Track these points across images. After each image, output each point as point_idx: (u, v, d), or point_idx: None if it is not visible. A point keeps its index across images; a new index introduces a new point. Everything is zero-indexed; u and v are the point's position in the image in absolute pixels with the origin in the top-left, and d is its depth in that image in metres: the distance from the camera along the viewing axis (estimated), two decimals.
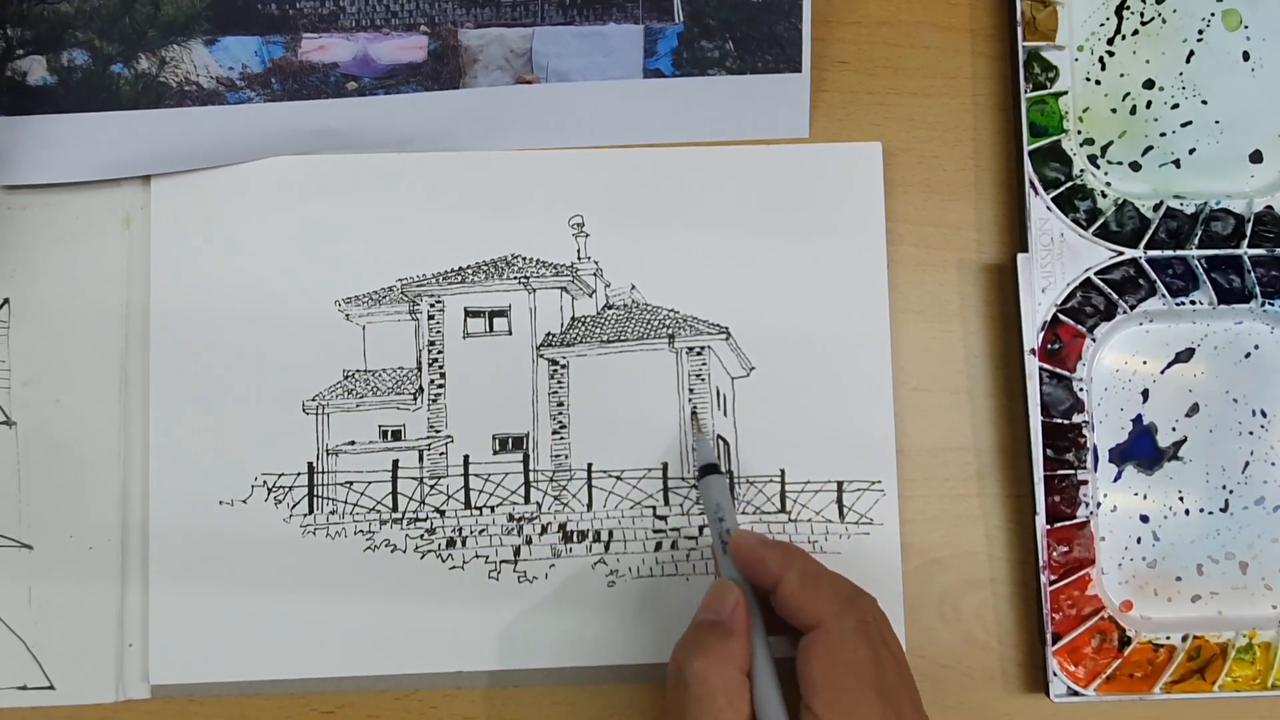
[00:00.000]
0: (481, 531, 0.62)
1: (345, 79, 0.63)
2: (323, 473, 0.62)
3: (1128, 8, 0.66)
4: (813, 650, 0.50)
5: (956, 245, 0.65)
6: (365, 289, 0.63)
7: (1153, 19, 0.66)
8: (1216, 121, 0.66)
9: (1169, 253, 0.64)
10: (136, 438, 0.62)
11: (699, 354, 0.63)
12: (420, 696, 0.62)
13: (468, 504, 0.63)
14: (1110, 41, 0.66)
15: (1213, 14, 0.66)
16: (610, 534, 0.62)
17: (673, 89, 0.64)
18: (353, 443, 0.63)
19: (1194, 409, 0.64)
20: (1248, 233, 0.64)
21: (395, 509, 0.62)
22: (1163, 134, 0.66)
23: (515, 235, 0.64)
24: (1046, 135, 0.64)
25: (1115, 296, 0.63)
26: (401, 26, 0.63)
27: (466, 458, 0.63)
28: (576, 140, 0.65)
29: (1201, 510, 0.64)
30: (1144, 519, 0.64)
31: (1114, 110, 0.66)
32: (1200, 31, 0.66)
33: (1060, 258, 0.63)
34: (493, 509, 0.63)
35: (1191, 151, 0.65)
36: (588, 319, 0.64)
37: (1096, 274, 0.63)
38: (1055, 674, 0.60)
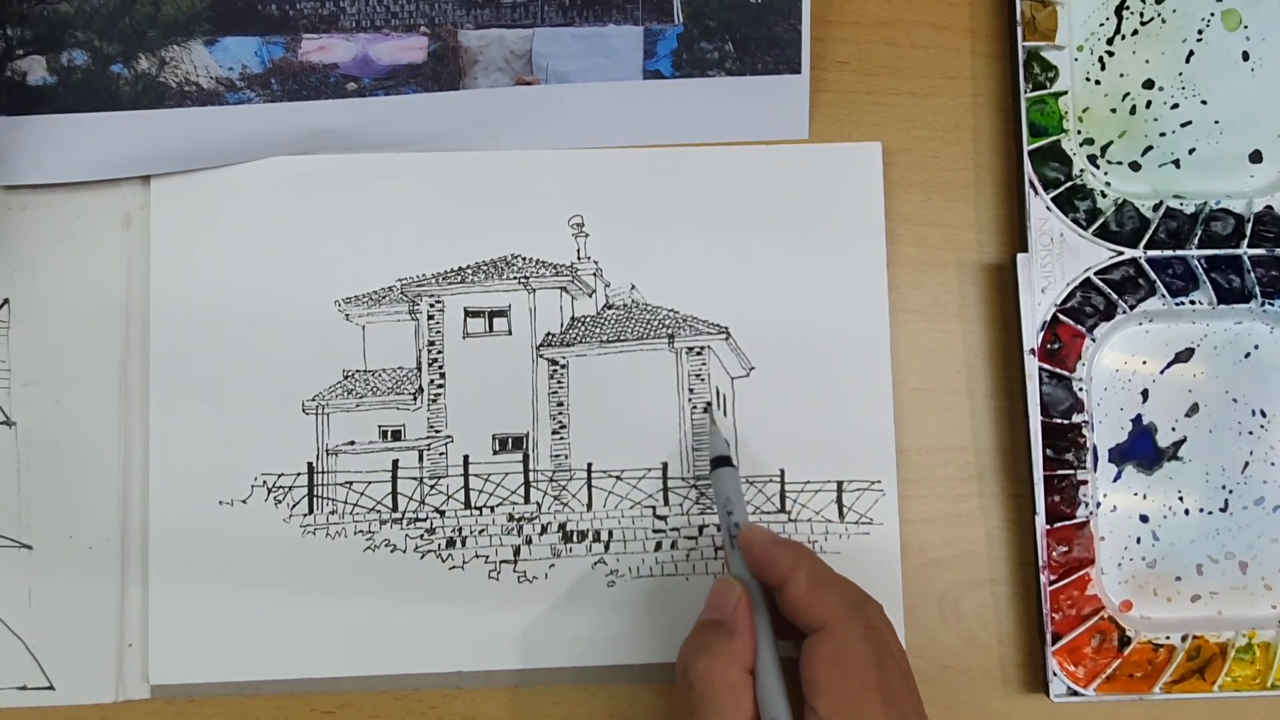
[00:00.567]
0: (481, 531, 0.62)
1: (345, 80, 0.63)
2: (323, 473, 0.62)
3: (1127, 8, 0.66)
4: (817, 652, 0.50)
5: (956, 245, 0.65)
6: (365, 289, 0.63)
7: (1152, 19, 0.66)
8: (1216, 121, 0.66)
9: (1169, 253, 0.64)
10: (136, 438, 0.62)
11: (699, 354, 0.63)
12: (420, 696, 0.62)
13: (468, 504, 0.63)
14: (1110, 41, 0.66)
15: (1212, 14, 0.66)
16: (610, 534, 0.62)
17: (672, 90, 0.64)
18: (353, 443, 0.63)
19: (1194, 409, 0.64)
20: (1247, 233, 0.64)
21: (395, 509, 0.62)
22: (1162, 134, 0.66)
23: (515, 235, 0.64)
24: (1046, 135, 0.64)
25: (1115, 296, 0.63)
26: (401, 27, 0.63)
27: (466, 458, 0.63)
28: (576, 142, 0.65)
29: (1201, 510, 0.64)
30: (1144, 519, 0.64)
31: (1114, 110, 0.66)
32: (1200, 31, 0.66)
33: (1060, 258, 0.63)
34: (493, 509, 0.63)
35: (1191, 151, 0.66)
36: (588, 319, 0.64)
37: (1096, 274, 0.63)
38: (1055, 674, 0.60)
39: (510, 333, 0.64)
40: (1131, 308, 0.63)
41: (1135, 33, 0.66)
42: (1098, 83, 0.66)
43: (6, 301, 0.63)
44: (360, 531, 0.62)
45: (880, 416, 0.63)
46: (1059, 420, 0.62)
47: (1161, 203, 0.64)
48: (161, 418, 0.62)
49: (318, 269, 0.63)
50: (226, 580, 0.61)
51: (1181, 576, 0.63)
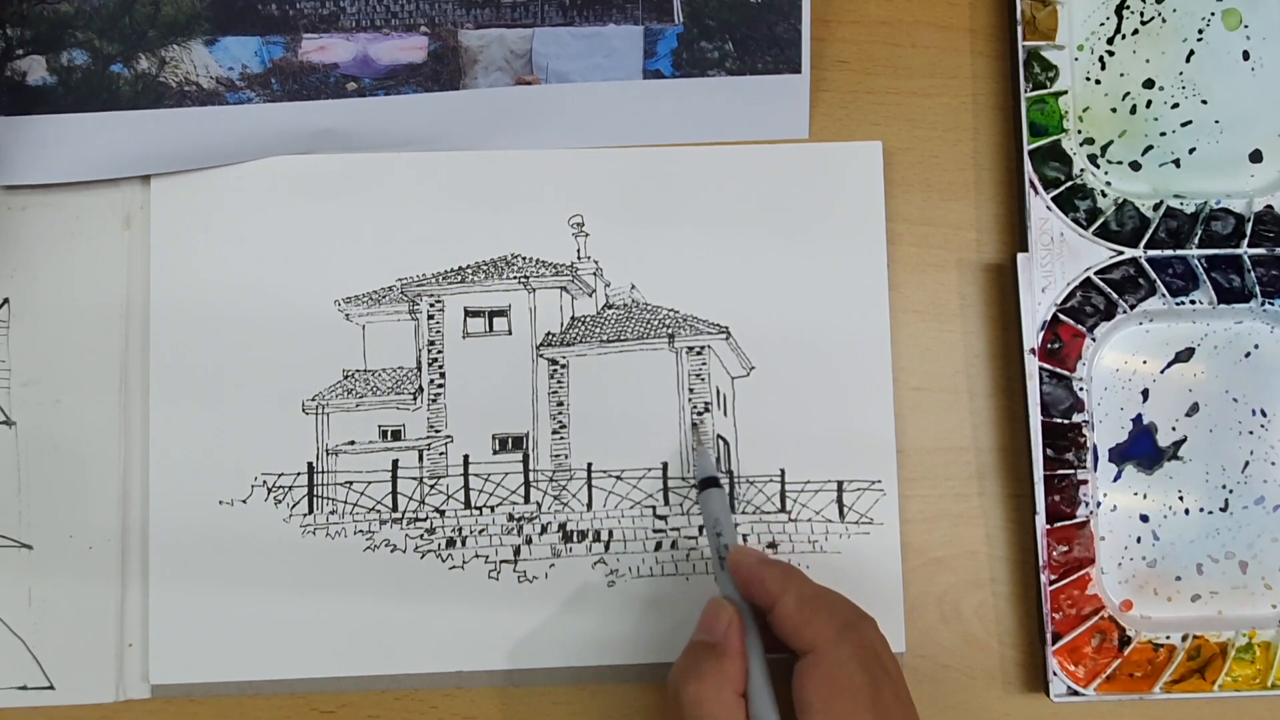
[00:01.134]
0: (481, 531, 0.62)
1: (345, 79, 0.63)
2: (323, 472, 0.62)
3: (1128, 7, 0.66)
4: (808, 675, 0.50)
5: (956, 245, 0.65)
6: (365, 289, 0.63)
7: (1153, 18, 0.66)
8: (1216, 121, 0.66)
9: (1169, 252, 0.64)
10: (136, 438, 0.62)
11: (699, 354, 0.63)
12: (420, 696, 0.62)
13: (468, 504, 0.63)
14: (1110, 41, 0.66)
15: (1213, 13, 0.66)
16: (610, 534, 0.62)
17: (672, 90, 0.64)
18: (353, 443, 0.63)
19: (1194, 408, 0.64)
20: (1248, 232, 0.64)
21: (395, 509, 0.62)
22: (1163, 133, 0.66)
23: (515, 235, 0.64)
24: (1046, 135, 0.64)
25: (1115, 296, 0.63)
26: (402, 27, 0.63)
27: (466, 457, 0.63)
28: (576, 141, 0.65)
29: (1201, 510, 0.64)
30: (1144, 518, 0.63)
31: (1114, 110, 0.66)
32: (1200, 31, 0.66)
33: (1060, 257, 0.63)
34: (493, 509, 0.63)
35: (1191, 151, 0.65)
36: (588, 319, 0.64)
37: (1096, 273, 0.63)
38: (1055, 674, 0.60)
39: (510, 332, 0.64)
40: (1132, 307, 0.63)
41: (1135, 32, 0.66)
42: (1098, 82, 0.66)
43: (6, 301, 0.63)
44: (360, 531, 0.62)
45: (880, 416, 0.63)
46: (1059, 420, 0.62)
47: (1162, 202, 0.64)
48: (161, 418, 0.62)
49: (318, 269, 0.63)
50: (226, 580, 0.61)
51: (1182, 576, 0.63)
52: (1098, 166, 0.65)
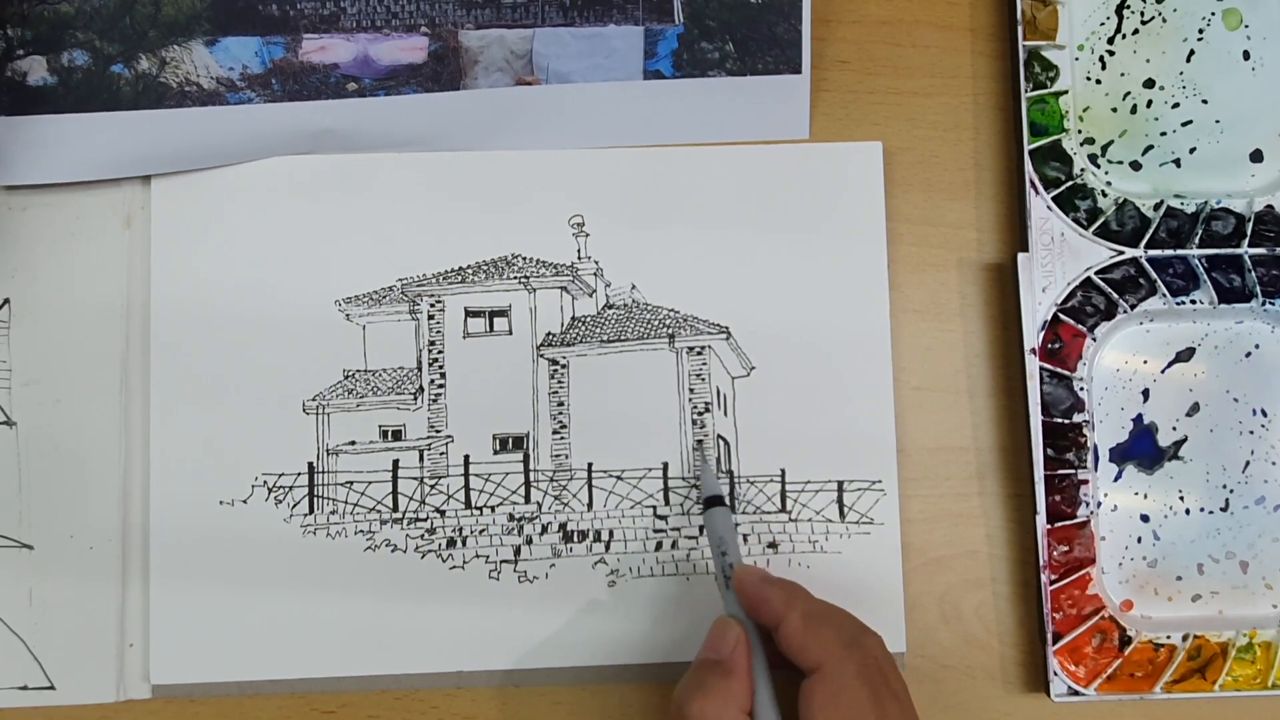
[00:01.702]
0: (482, 531, 0.62)
1: (346, 80, 0.63)
2: (323, 473, 0.62)
3: (1128, 7, 0.66)
4: (814, 694, 0.51)
5: (956, 245, 0.65)
6: (365, 289, 0.63)
7: (1153, 18, 0.66)
8: (1217, 121, 0.66)
9: (1169, 252, 0.64)
10: (136, 438, 0.62)
11: (699, 354, 0.63)
12: (420, 696, 0.62)
13: (468, 504, 0.63)
14: (1110, 41, 0.66)
15: (1213, 13, 0.66)
16: (610, 534, 0.62)
17: (673, 90, 0.64)
18: (353, 443, 0.63)
19: (1194, 408, 0.64)
20: (1248, 232, 0.64)
21: (395, 509, 0.62)
22: (1163, 133, 0.66)
23: (515, 235, 0.64)
24: (1047, 134, 0.64)
25: (1115, 296, 0.63)
26: (402, 27, 0.63)
27: (467, 458, 0.63)
28: (577, 142, 0.65)
29: (1202, 510, 0.64)
30: (1144, 518, 0.63)
31: (1114, 109, 0.66)
32: (1200, 31, 0.66)
33: (1060, 257, 0.63)
34: (493, 509, 0.63)
35: (1192, 151, 0.65)
36: (588, 319, 0.64)
37: (1097, 273, 0.63)
38: (1056, 673, 0.60)
39: (511, 332, 0.64)
40: (1132, 307, 0.63)
41: (1136, 32, 0.66)
42: (1098, 82, 0.66)
43: (7, 301, 0.63)
44: (361, 531, 0.62)
45: (881, 416, 0.63)
46: (1060, 420, 0.62)
47: (1162, 202, 0.64)
48: (162, 418, 0.62)
49: (318, 269, 0.63)
50: (227, 580, 0.61)
51: (1182, 576, 0.63)
52: (1098, 166, 0.65)
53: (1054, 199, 0.63)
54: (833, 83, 0.66)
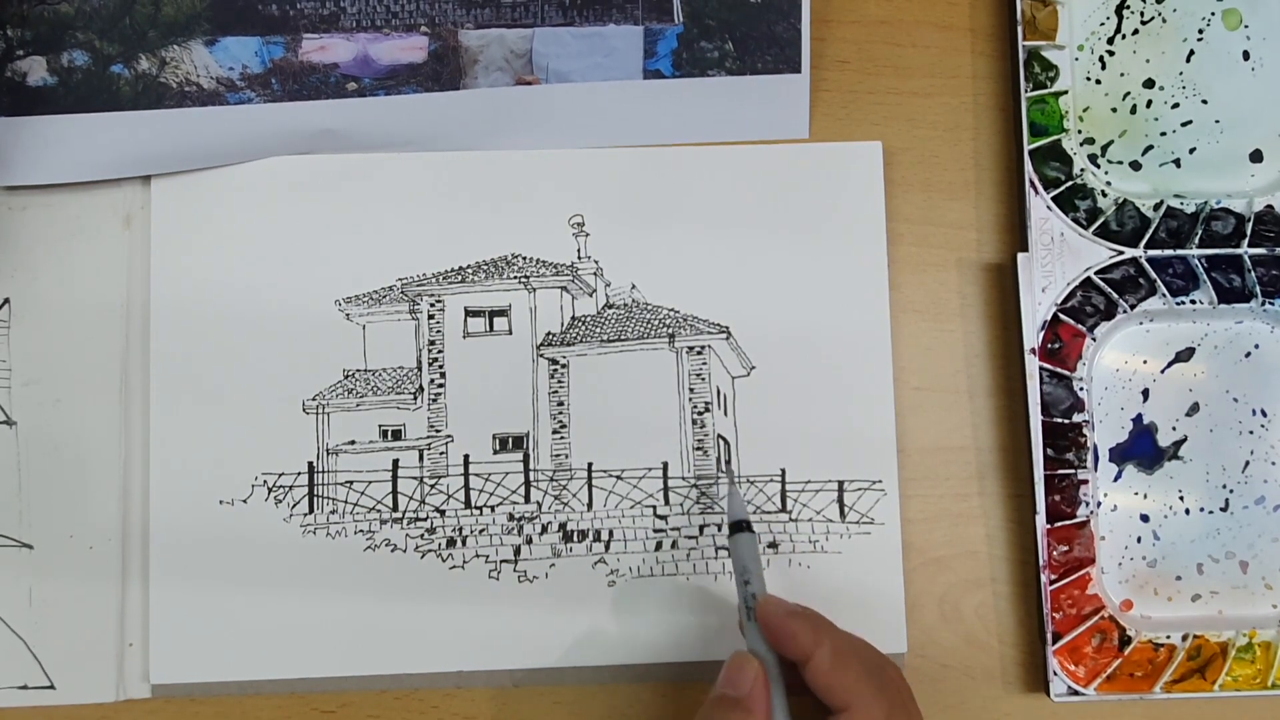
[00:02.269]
0: (482, 531, 0.62)
1: (345, 80, 0.63)
2: (323, 472, 0.62)
3: (1128, 7, 0.66)
4: None
5: (956, 245, 0.65)
6: (365, 289, 0.63)
7: (1153, 18, 0.66)
8: (1217, 121, 0.66)
9: (1169, 252, 0.64)
10: (137, 438, 0.62)
11: (699, 353, 0.63)
12: (420, 696, 0.62)
13: (468, 503, 0.63)
14: (1110, 41, 0.66)
15: (1213, 13, 0.66)
16: (610, 533, 0.62)
17: (672, 90, 0.64)
18: (353, 442, 0.63)
19: (1194, 408, 0.64)
20: (1248, 232, 0.64)
21: (395, 508, 0.62)
22: (1163, 133, 0.66)
23: (515, 235, 0.64)
24: (1046, 135, 0.64)
25: (1115, 296, 0.63)
26: (402, 27, 0.63)
27: (467, 457, 0.63)
28: (576, 141, 0.65)
29: (1202, 509, 0.64)
30: (1144, 518, 0.63)
31: (1114, 109, 0.66)
32: (1200, 31, 0.66)
33: (1060, 257, 0.63)
34: (493, 508, 0.63)
35: (1192, 151, 0.65)
36: (588, 318, 0.64)
37: (1097, 273, 0.63)
38: (1055, 673, 0.60)
39: (511, 332, 0.64)
40: (1132, 307, 0.63)
41: (1136, 32, 0.66)
42: (1098, 82, 0.66)
43: (7, 301, 0.63)
44: (361, 531, 0.62)
45: (881, 416, 0.63)
46: (1059, 420, 0.62)
47: (1162, 202, 0.64)
48: (161, 418, 0.62)
49: (318, 269, 0.63)
50: (227, 580, 0.61)
51: (1182, 576, 0.63)
52: (1098, 166, 0.65)
53: (1054, 199, 0.63)
54: (832, 83, 0.66)
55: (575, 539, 0.62)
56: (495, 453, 0.63)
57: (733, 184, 0.64)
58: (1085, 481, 0.62)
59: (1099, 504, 0.63)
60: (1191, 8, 0.66)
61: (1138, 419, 0.64)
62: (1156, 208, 0.64)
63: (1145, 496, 0.64)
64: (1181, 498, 0.64)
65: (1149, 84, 0.66)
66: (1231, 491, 0.64)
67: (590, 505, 0.63)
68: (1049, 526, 0.61)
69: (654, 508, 0.63)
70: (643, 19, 0.63)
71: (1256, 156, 0.65)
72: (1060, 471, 0.62)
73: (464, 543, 0.62)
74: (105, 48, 0.62)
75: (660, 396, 0.63)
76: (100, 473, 0.62)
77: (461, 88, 0.64)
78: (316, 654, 0.61)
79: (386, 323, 0.64)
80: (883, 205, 0.64)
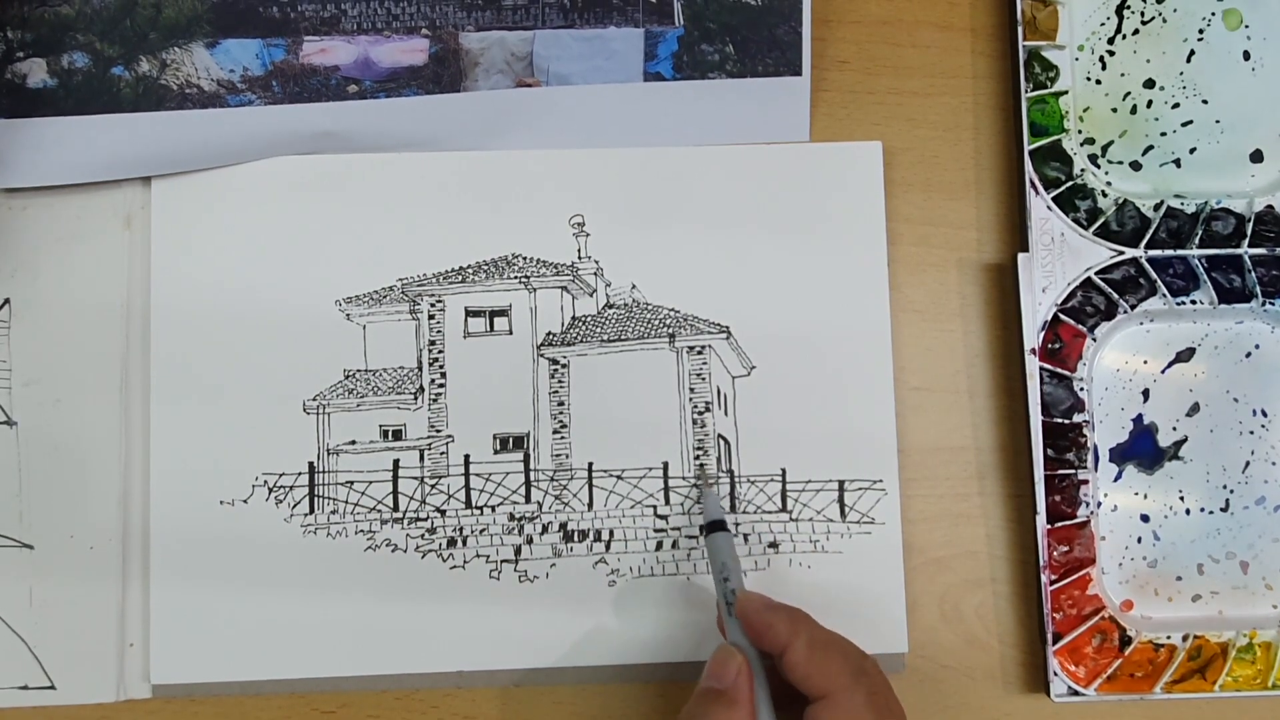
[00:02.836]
0: (482, 531, 0.62)
1: (346, 82, 0.63)
2: (323, 472, 0.62)
3: (1128, 7, 0.66)
4: None
5: (957, 245, 0.65)
6: (365, 289, 0.63)
7: (1153, 18, 0.66)
8: (1217, 121, 0.66)
9: (1169, 252, 0.64)
10: (137, 438, 0.62)
11: (700, 353, 0.63)
12: (420, 696, 0.62)
13: (468, 503, 0.63)
14: (1111, 41, 0.66)
15: (1213, 13, 0.66)
16: (611, 533, 0.62)
17: (673, 92, 0.64)
18: (353, 442, 0.63)
19: (1194, 409, 0.64)
20: (1248, 232, 0.64)
21: (396, 508, 0.62)
22: (1163, 133, 0.66)
23: (515, 235, 0.64)
24: (1047, 135, 0.64)
25: (1116, 296, 0.63)
26: (402, 30, 0.63)
27: (467, 457, 0.63)
28: (577, 144, 0.65)
29: (1202, 510, 0.64)
30: (1144, 519, 0.63)
31: (1114, 110, 0.66)
32: (1201, 31, 0.66)
33: (1061, 257, 0.63)
34: (493, 508, 0.63)
35: (1192, 151, 0.65)
36: (588, 318, 0.64)
37: (1097, 273, 0.63)
38: (1056, 674, 0.60)
39: (511, 332, 0.64)
40: (1132, 307, 0.63)
41: (1136, 32, 0.66)
42: (1098, 82, 0.66)
43: (7, 301, 0.63)
44: (361, 531, 0.62)
45: (881, 416, 0.63)
46: (1060, 420, 0.62)
47: (1162, 202, 0.64)
48: (162, 418, 0.62)
49: (318, 269, 0.63)
50: (227, 580, 0.61)
51: (1182, 576, 0.63)
52: (1098, 166, 0.65)
53: (1054, 199, 0.63)
54: (833, 83, 0.66)
55: (576, 539, 0.62)
56: (496, 453, 0.63)
57: (733, 184, 0.64)
58: (1085, 482, 0.62)
59: (1099, 504, 0.63)
60: (1192, 8, 0.66)
61: (1138, 419, 0.64)
62: (1157, 208, 0.64)
63: (1145, 497, 0.63)
64: (1182, 498, 0.64)
65: (1149, 84, 0.66)
66: (1232, 492, 0.64)
67: (591, 505, 0.63)
68: (1049, 527, 0.61)
69: (654, 508, 0.63)
70: (643, 22, 0.64)
71: (1257, 156, 0.65)
72: (1060, 472, 0.62)
73: (464, 543, 0.62)
74: (106, 50, 0.62)
75: (661, 396, 0.63)
76: (100, 473, 0.62)
77: (462, 90, 0.64)
78: (317, 654, 0.61)
79: (387, 323, 0.64)
80: (883, 205, 0.64)
